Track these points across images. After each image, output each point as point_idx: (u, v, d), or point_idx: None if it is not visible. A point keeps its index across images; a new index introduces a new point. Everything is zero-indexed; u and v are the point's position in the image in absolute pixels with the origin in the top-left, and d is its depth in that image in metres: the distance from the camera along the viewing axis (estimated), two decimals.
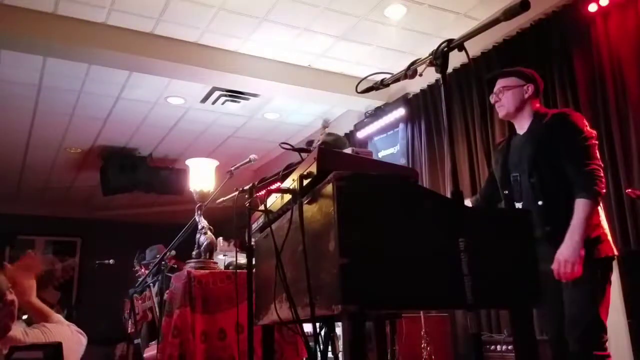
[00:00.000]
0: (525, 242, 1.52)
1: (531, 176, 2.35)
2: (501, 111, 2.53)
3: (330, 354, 2.40)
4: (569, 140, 2.30)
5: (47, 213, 9.59)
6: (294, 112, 6.41)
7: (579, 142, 2.29)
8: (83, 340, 2.34)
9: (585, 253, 2.17)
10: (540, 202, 2.32)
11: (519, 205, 2.43)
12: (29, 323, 2.19)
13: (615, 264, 2.41)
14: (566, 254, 2.16)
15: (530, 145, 2.39)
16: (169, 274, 3.39)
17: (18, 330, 2.05)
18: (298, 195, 1.54)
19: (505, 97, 2.49)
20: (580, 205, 2.19)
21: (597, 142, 2.34)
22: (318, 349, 1.89)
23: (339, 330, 2.80)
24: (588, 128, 2.34)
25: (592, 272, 2.21)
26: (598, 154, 2.31)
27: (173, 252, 3.65)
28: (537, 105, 2.51)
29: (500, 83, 2.52)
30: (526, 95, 2.47)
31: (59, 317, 2.30)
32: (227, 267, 3.59)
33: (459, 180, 1.46)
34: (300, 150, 2.85)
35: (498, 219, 1.57)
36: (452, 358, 4.26)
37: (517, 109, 2.48)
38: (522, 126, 2.51)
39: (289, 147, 2.53)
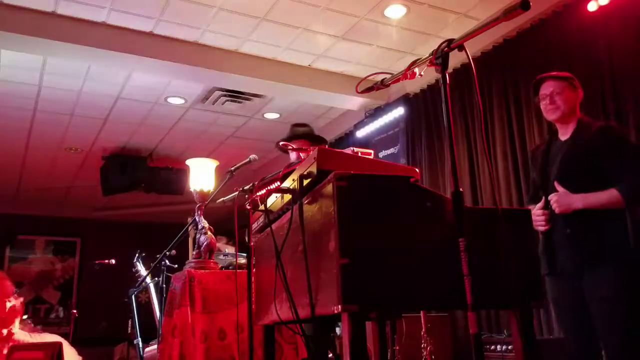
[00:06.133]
0: (526, 242, 1.52)
1: (568, 181, 2.42)
2: (555, 113, 2.56)
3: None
4: (617, 151, 2.39)
5: (47, 213, 9.56)
6: (294, 112, 6.41)
7: (628, 152, 2.40)
8: None
9: (622, 258, 2.29)
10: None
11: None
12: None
13: None
14: (573, 198, 2.34)
15: (573, 151, 2.48)
16: (169, 274, 3.40)
17: (21, 333, 2.05)
18: (298, 195, 1.54)
19: (560, 99, 2.54)
20: (612, 191, 2.29)
21: None
22: (318, 349, 1.89)
23: (338, 330, 2.80)
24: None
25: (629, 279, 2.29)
26: None
27: (173, 252, 3.65)
28: (580, 113, 2.61)
29: (552, 86, 2.57)
30: (578, 101, 2.58)
31: None
32: (227, 267, 3.59)
33: (459, 180, 1.46)
34: (299, 150, 2.86)
35: (498, 219, 1.57)
36: (452, 358, 4.25)
37: (570, 112, 2.56)
38: (566, 132, 2.59)
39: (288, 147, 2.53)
